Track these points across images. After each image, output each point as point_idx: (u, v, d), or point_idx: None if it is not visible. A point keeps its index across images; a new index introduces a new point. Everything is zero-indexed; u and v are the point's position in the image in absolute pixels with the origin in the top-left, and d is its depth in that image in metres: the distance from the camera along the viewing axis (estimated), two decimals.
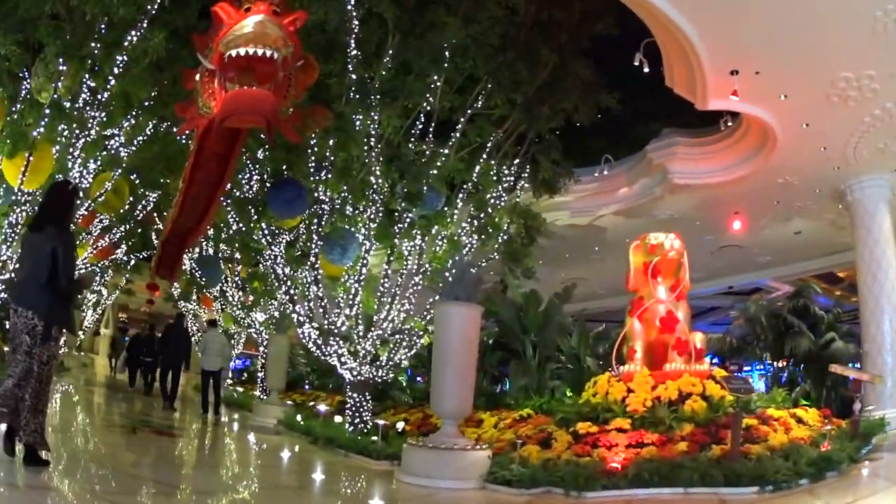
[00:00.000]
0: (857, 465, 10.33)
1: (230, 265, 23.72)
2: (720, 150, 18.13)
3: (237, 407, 22.79)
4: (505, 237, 16.19)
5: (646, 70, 13.83)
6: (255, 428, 17.18)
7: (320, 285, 15.30)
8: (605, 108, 15.97)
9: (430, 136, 14.61)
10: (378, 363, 15.34)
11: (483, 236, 15.81)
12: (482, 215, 15.64)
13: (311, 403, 20.92)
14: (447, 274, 12.36)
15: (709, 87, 13.48)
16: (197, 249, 21.39)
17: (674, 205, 19.86)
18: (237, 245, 20.07)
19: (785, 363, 22.54)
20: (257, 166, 15.25)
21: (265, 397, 21.69)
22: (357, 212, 14.96)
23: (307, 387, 27.62)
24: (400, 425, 14.22)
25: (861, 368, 16.44)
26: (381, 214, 14.48)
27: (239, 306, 25.49)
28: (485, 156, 15.37)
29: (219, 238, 20.98)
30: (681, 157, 18.46)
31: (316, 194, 14.59)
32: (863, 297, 17.38)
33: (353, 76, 12.68)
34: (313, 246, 14.94)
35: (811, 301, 22.59)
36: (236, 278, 24.84)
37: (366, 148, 13.55)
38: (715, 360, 25.84)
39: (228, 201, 15.79)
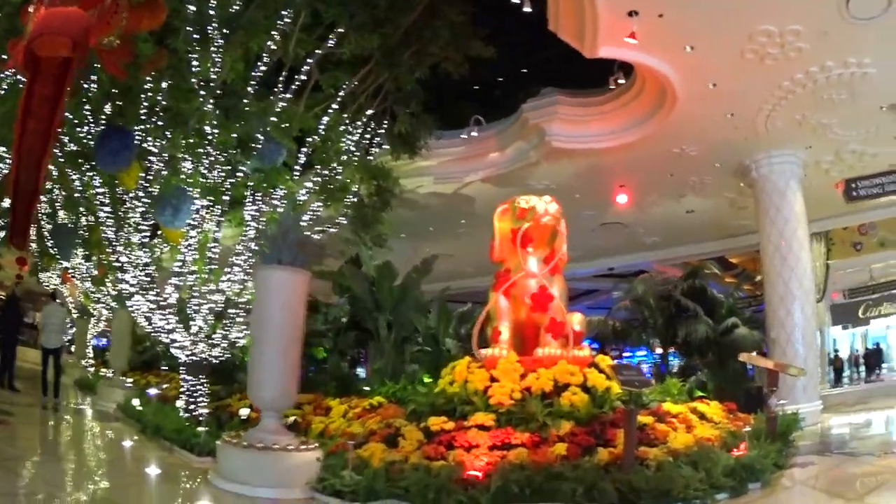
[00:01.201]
0: (784, 473, 9.07)
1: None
2: (608, 112, 16.61)
3: (88, 389, 21.25)
4: (354, 199, 14.87)
5: (526, 9, 12.15)
6: (97, 413, 16.28)
7: (150, 252, 13.76)
8: (484, 78, 15.07)
9: (280, 86, 13.04)
10: (212, 341, 13.69)
11: (327, 196, 14.38)
12: (328, 172, 14.08)
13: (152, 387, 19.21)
14: (271, 234, 10.07)
15: (600, 28, 11.91)
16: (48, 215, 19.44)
17: (551, 173, 18.37)
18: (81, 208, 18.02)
19: (676, 350, 21.64)
20: (91, 113, 13.17)
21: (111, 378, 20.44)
22: (194, 168, 13.19)
23: (165, 367, 25.22)
24: (245, 412, 12.54)
25: (769, 357, 15.44)
26: (218, 171, 12.92)
27: (88, 278, 23.29)
28: (336, 106, 13.85)
29: (73, 203, 18.88)
30: (562, 117, 16.88)
31: (147, 145, 12.79)
32: (770, 281, 16.84)
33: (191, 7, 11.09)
34: (140, 205, 13.33)
35: (708, 283, 21.73)
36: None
37: (202, 93, 11.94)
38: (594, 346, 25.03)
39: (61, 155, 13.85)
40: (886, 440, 12.29)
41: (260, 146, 12.41)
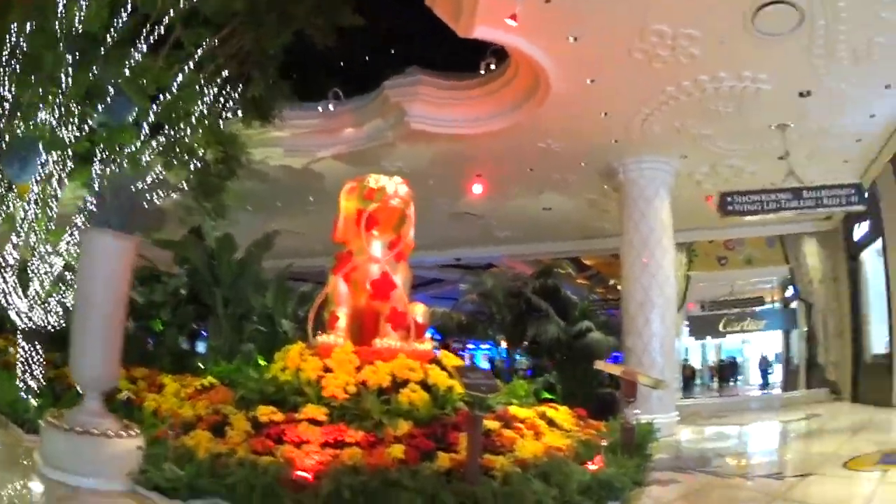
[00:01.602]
0: (644, 491, 8.68)
1: None
2: (474, 98, 16.04)
3: None
4: (199, 165, 14.01)
5: None
6: None
7: None
8: (351, 53, 15.56)
9: (141, 39, 12.09)
10: (47, 306, 12.59)
11: (172, 159, 13.54)
12: (174, 134, 13.18)
13: None
14: (101, 194, 9.35)
15: (480, 5, 11.27)
16: None
17: (407, 155, 17.78)
18: None
19: (524, 349, 21.41)
20: None
21: None
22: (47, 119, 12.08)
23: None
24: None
25: (625, 365, 15.48)
26: (69, 124, 11.88)
27: None
28: (192, 65, 12.97)
29: None
30: (424, 98, 16.23)
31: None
32: (629, 288, 16.84)
33: None
34: None
35: (561, 283, 21.55)
36: None
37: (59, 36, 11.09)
38: (437, 338, 24.57)
39: None
40: (751, 460, 12.09)
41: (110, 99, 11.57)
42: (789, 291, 28.23)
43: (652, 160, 16.90)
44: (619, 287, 21.06)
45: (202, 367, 14.31)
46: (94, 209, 8.73)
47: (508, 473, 7.30)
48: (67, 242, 12.32)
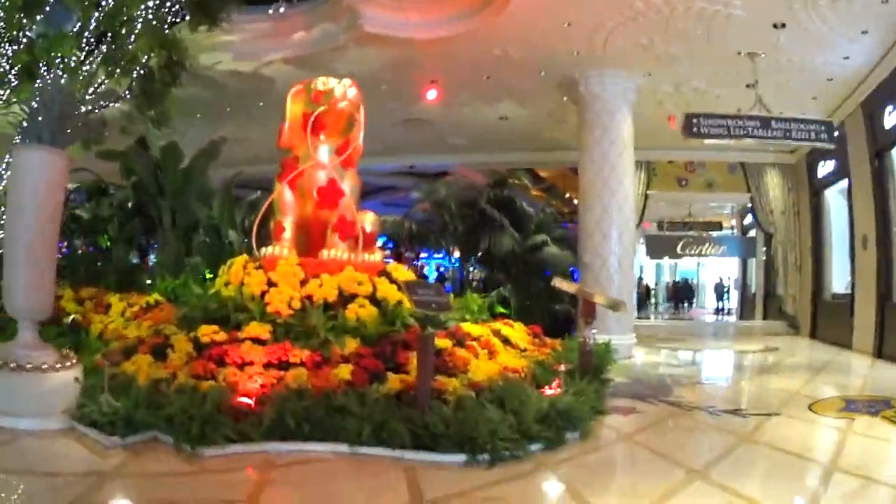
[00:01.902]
0: (605, 422, 8.38)
1: None
2: (431, 1, 15.42)
3: None
4: (142, 72, 13.58)
5: None
6: None
7: None
8: None
9: None
10: None
11: (113, 68, 13.00)
12: (113, 39, 12.74)
13: None
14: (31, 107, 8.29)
15: None
16: None
17: (359, 60, 17.10)
18: None
19: (478, 261, 20.99)
20: None
21: None
22: None
23: None
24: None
25: (582, 283, 15.36)
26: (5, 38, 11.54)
27: None
28: None
29: None
30: (379, 1, 15.50)
31: None
32: (586, 202, 16.50)
33: None
34: None
35: (517, 195, 21.08)
36: None
37: None
38: (389, 246, 24.12)
39: None
40: (713, 393, 11.65)
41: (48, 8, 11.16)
42: (748, 219, 28.19)
43: (614, 75, 16.45)
44: (575, 201, 20.78)
45: (150, 283, 13.91)
46: (25, 124, 8.05)
47: (461, 398, 7.07)
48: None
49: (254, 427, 6.47)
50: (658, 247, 30.01)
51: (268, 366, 7.57)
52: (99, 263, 15.98)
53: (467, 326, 9.67)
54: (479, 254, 20.35)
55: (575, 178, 18.18)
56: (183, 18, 14.26)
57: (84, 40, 12.43)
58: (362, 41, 16.25)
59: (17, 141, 9.65)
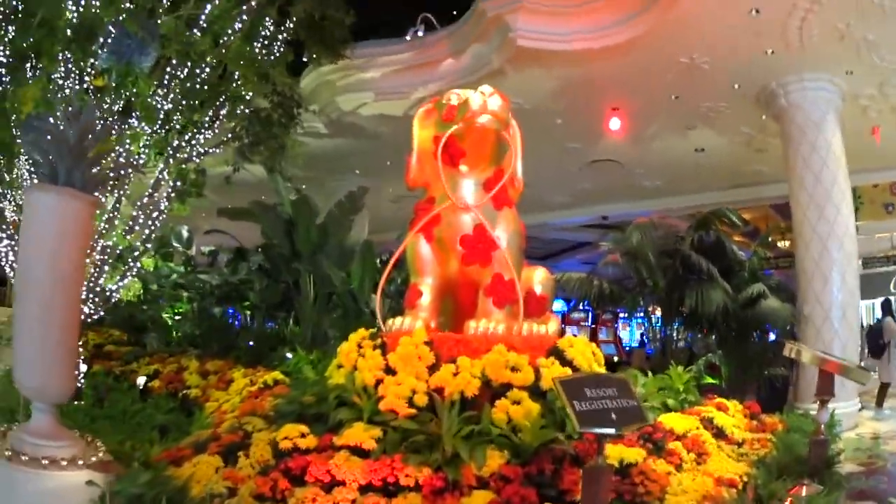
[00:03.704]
0: None
1: None
2: (592, 2, 13.55)
3: None
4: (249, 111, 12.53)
5: None
6: None
7: None
8: None
9: None
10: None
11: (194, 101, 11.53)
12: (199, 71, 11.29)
13: None
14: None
15: None
16: None
17: (523, 87, 15.09)
18: None
19: (680, 322, 17.88)
20: None
21: None
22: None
23: None
24: (141, 380, 11.18)
25: (801, 341, 12.96)
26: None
27: None
28: None
29: None
30: (530, 7, 13.65)
31: None
32: (803, 239, 14.38)
33: None
34: None
35: (725, 237, 17.87)
36: None
37: None
38: (587, 310, 21.85)
39: None
40: None
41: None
42: None
43: (815, 78, 14.50)
44: (779, 244, 17.95)
45: (289, 356, 12.10)
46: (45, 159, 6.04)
47: None
48: None
49: None
50: (869, 286, 26.70)
51: (366, 489, 5.26)
52: (237, 335, 15.20)
53: (669, 419, 6.97)
54: (682, 313, 17.09)
55: (776, 217, 15.63)
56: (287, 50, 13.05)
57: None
58: (520, 62, 14.63)
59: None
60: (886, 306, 20.06)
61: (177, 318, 17.98)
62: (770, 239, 26.51)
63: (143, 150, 11.02)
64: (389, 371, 6.52)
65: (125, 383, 11.01)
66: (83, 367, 11.70)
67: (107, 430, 7.48)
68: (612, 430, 4.69)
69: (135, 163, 10.93)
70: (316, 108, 15.79)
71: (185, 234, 19.93)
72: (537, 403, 6.15)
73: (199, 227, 20.63)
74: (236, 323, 17.39)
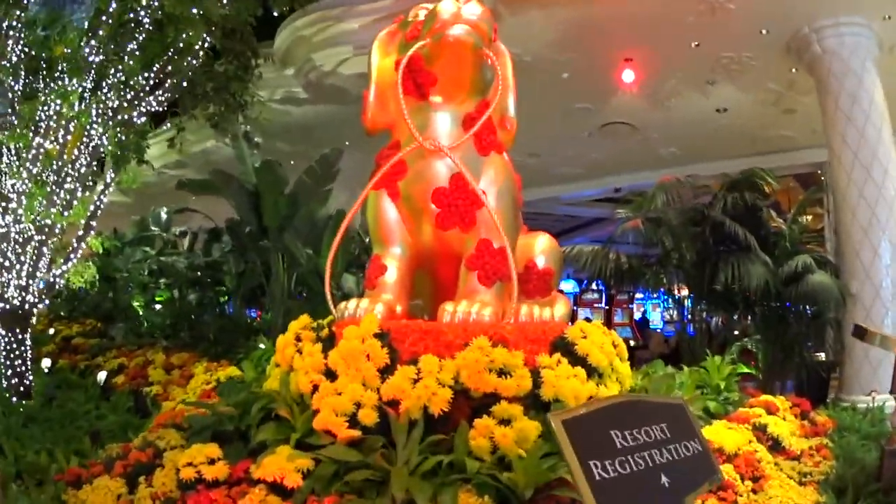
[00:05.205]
0: None
1: None
2: None
3: None
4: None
5: None
6: None
7: None
8: None
9: None
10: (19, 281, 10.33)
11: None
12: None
13: None
14: None
15: None
16: None
17: (523, 36, 13.42)
18: None
19: (712, 301, 15.59)
20: None
21: None
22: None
23: None
24: (102, 376, 10.88)
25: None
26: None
27: None
28: None
29: None
30: None
31: None
32: (848, 204, 12.80)
33: None
34: None
35: (762, 201, 15.52)
36: None
37: None
38: (600, 288, 22.51)
39: None
40: None
41: None
42: None
43: (850, 22, 13.02)
44: (801, 219, 16.09)
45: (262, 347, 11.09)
46: None
47: None
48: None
49: None
50: None
51: None
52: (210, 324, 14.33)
53: (715, 433, 5.24)
54: (715, 291, 14.48)
55: (800, 191, 16.20)
56: None
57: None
58: (517, 3, 13.07)
59: None
60: None
61: (157, 306, 17.35)
62: (792, 213, 24.93)
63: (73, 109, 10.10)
64: (330, 375, 4.80)
65: (90, 379, 11.04)
66: (47, 363, 11.79)
67: (35, 437, 7.31)
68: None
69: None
70: (292, 69, 14.82)
71: (163, 216, 18.93)
72: (536, 422, 4.45)
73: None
74: (217, 310, 16.55)
